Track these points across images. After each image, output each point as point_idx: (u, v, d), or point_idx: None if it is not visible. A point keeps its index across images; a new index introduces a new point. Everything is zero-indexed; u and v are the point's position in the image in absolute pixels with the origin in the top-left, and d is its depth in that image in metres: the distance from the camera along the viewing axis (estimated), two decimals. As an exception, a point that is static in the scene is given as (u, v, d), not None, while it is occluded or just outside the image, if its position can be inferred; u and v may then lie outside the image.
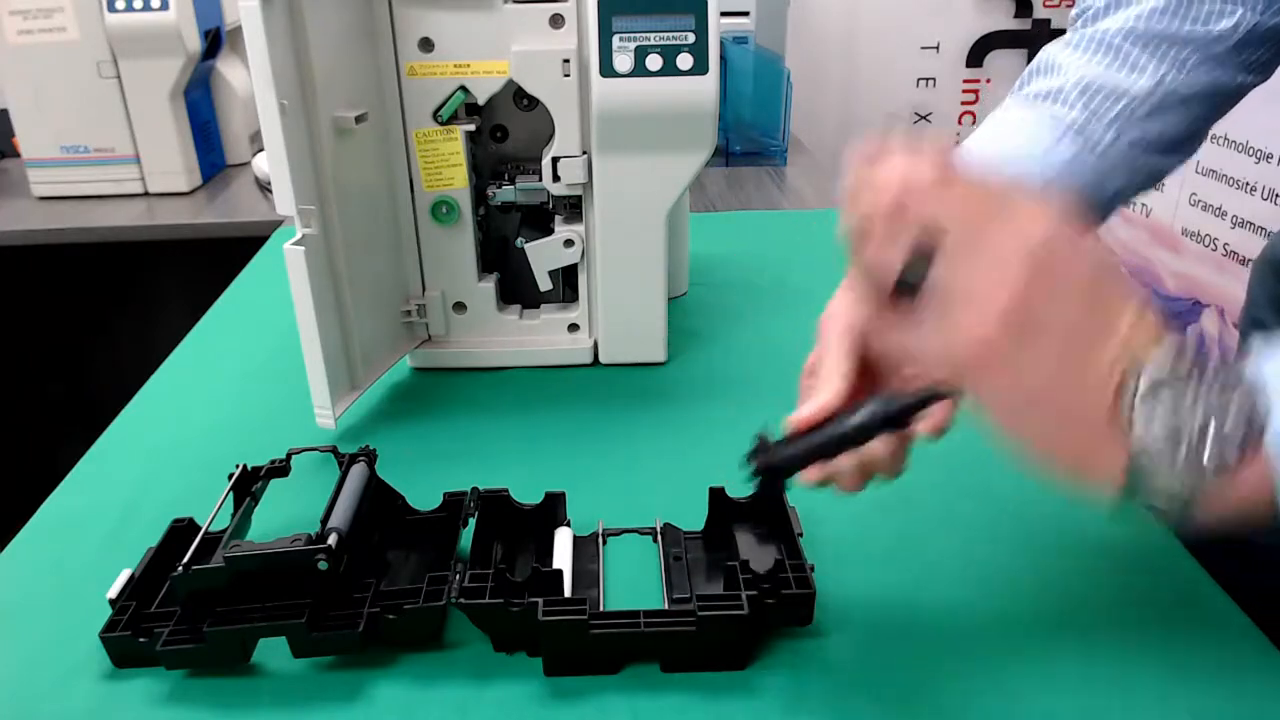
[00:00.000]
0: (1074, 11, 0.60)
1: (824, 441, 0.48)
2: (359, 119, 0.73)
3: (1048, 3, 2.02)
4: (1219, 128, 1.29)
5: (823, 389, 0.49)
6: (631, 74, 0.73)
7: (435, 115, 0.78)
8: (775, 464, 0.49)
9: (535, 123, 0.81)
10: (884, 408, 0.46)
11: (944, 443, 0.73)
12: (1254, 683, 0.51)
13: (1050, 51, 0.57)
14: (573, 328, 0.87)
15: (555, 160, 0.78)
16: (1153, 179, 0.58)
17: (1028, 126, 0.54)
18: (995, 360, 0.38)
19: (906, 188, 0.39)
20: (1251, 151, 1.29)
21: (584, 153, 0.78)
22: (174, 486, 0.70)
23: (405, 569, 0.60)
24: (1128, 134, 0.55)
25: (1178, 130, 0.56)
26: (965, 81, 2.08)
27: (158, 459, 0.74)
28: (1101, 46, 0.55)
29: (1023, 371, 0.37)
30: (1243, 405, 0.33)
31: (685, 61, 0.73)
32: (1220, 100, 0.57)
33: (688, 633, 0.51)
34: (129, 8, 1.39)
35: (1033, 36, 2.03)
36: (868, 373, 0.50)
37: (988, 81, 2.08)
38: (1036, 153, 0.54)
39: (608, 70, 0.73)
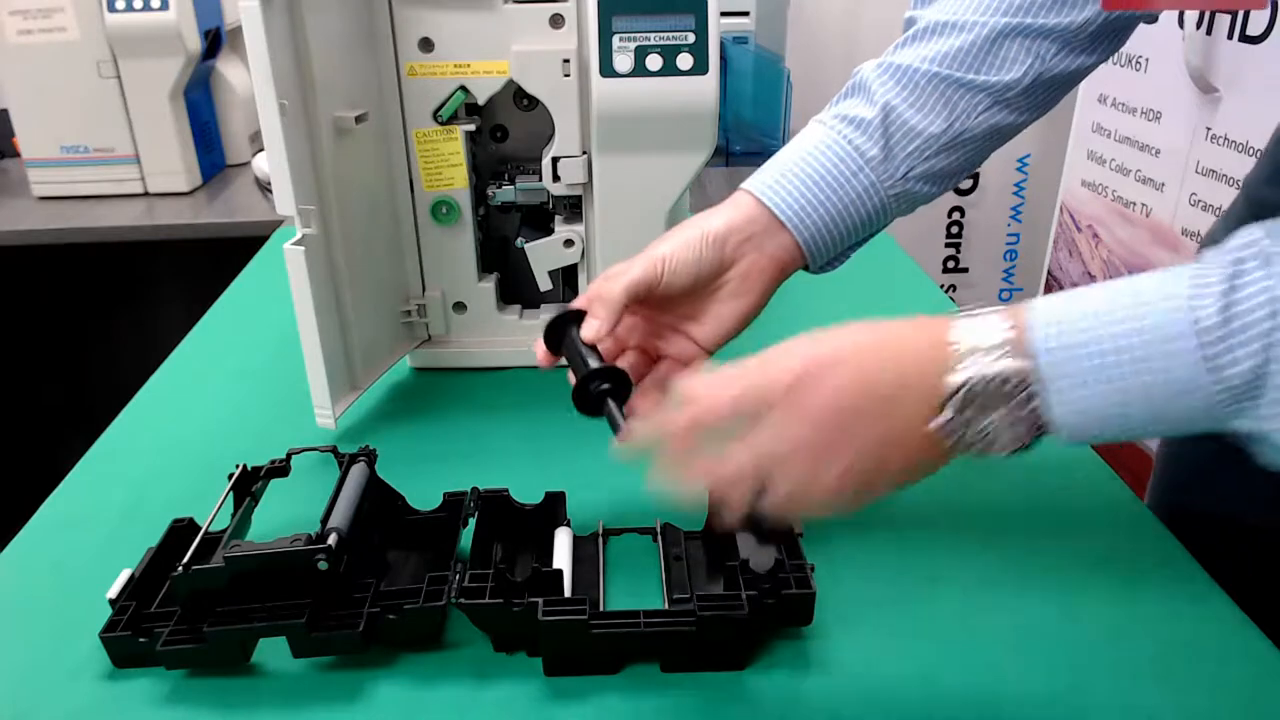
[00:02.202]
0: (906, 14, 0.63)
1: (574, 355, 0.57)
2: (359, 119, 0.73)
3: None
4: (1218, 128, 1.29)
5: (596, 318, 0.57)
6: (631, 74, 0.73)
7: (435, 115, 0.78)
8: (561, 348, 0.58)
9: (535, 123, 0.81)
10: (596, 381, 0.55)
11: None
12: (1254, 682, 0.51)
13: (867, 73, 0.61)
14: (573, 328, 0.87)
15: (555, 160, 0.78)
16: (918, 205, 0.63)
17: (832, 154, 0.60)
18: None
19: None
20: (1251, 152, 1.29)
21: (584, 153, 0.78)
22: (174, 486, 0.70)
23: (405, 569, 0.60)
24: (915, 169, 0.60)
25: (957, 166, 0.62)
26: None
27: (158, 459, 0.74)
28: (909, 84, 0.59)
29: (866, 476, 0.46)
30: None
31: (685, 61, 0.72)
32: (1000, 139, 0.62)
33: (687, 633, 0.51)
34: (129, 8, 1.39)
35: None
36: (649, 322, 0.61)
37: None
38: (836, 182, 0.59)
39: (608, 70, 0.73)
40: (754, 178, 0.61)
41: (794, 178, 0.59)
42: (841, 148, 0.59)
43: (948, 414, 0.42)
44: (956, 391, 0.42)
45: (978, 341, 0.42)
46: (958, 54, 0.59)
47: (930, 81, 0.59)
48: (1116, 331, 0.39)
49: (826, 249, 0.61)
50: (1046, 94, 0.61)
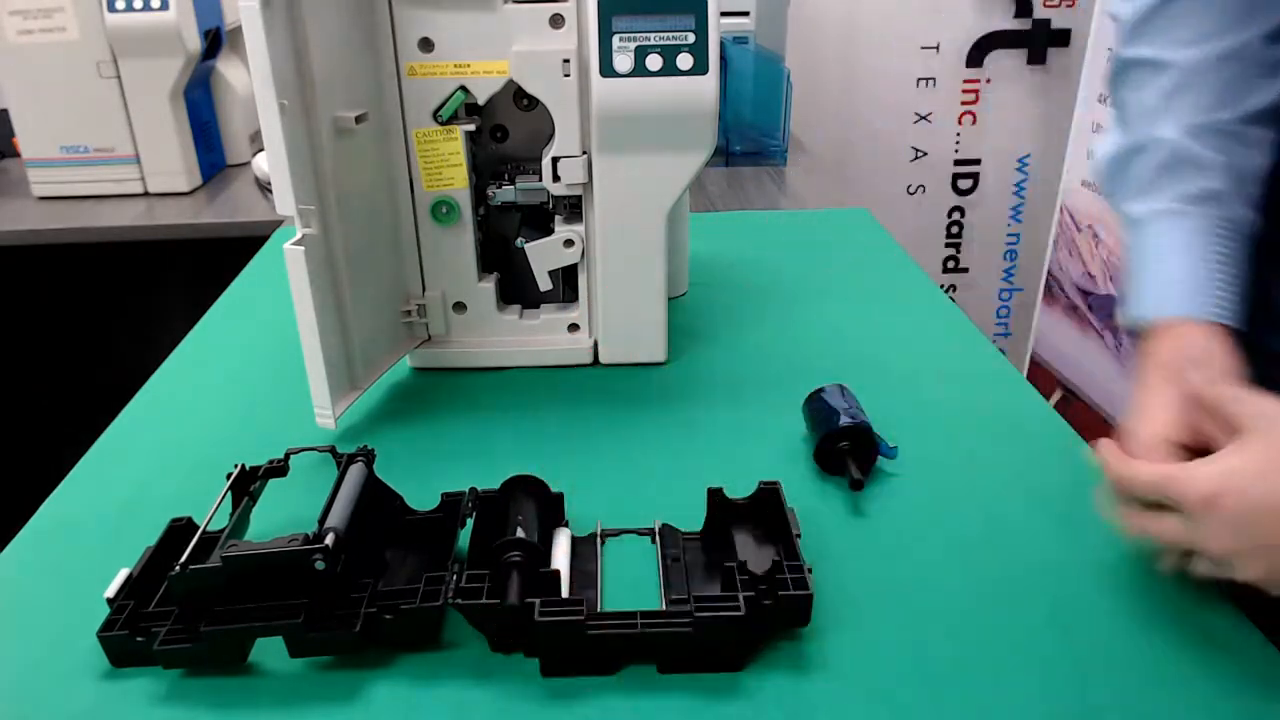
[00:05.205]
0: (1116, 57, 0.64)
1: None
2: (359, 119, 0.73)
3: (1047, 3, 2.01)
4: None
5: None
6: (631, 74, 0.73)
7: (435, 115, 0.78)
8: None
9: (535, 123, 0.81)
10: None
11: (944, 449, 0.72)
12: (1254, 682, 0.51)
13: (1182, 146, 0.61)
14: (573, 328, 0.87)
15: (555, 160, 0.78)
16: None
17: (1226, 240, 0.60)
18: None
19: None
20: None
21: (584, 153, 0.78)
22: (173, 486, 0.70)
23: (403, 569, 0.60)
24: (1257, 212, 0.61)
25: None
26: (965, 82, 2.08)
27: (157, 459, 0.74)
28: (1229, 137, 0.60)
29: None
30: None
31: (685, 61, 0.72)
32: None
33: (684, 634, 0.51)
34: (129, 8, 1.39)
35: (1033, 36, 2.03)
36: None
37: (988, 81, 2.07)
38: (1236, 269, 0.59)
39: (608, 70, 0.73)
40: (1197, 302, 0.59)
41: (1222, 284, 0.59)
42: (1225, 229, 0.60)
43: None
44: None
45: None
46: (1221, 94, 0.60)
47: (1244, 122, 0.60)
48: None
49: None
50: None
